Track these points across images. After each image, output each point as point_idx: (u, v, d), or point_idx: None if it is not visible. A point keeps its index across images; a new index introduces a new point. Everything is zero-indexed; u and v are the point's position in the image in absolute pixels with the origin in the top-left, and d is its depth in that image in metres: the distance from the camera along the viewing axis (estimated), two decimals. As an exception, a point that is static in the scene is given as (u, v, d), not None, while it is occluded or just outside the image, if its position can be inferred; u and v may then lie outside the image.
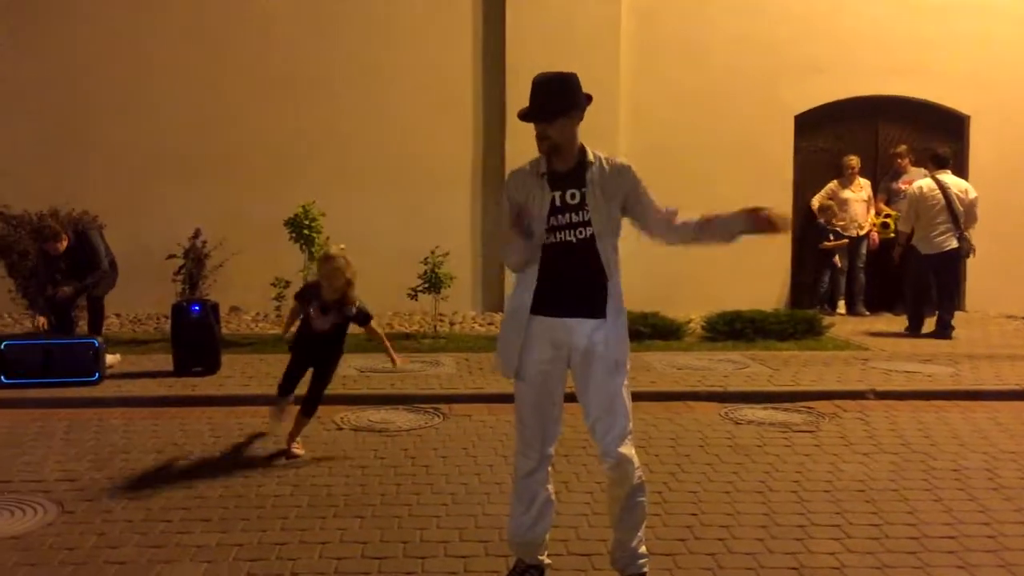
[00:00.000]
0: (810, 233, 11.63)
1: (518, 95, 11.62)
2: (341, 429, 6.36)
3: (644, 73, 11.33)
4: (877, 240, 11.44)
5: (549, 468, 3.81)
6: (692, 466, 5.54)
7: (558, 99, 3.62)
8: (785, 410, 6.95)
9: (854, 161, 11.46)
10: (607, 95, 11.14)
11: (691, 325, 9.91)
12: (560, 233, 3.63)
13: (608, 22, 11.18)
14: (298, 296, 5.95)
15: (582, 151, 3.72)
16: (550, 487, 3.82)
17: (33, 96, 10.91)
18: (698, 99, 11.40)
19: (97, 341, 7.62)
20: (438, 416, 6.69)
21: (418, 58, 11.06)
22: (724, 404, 7.08)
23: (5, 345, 7.42)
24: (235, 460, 5.65)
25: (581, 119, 3.72)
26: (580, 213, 3.63)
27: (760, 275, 11.40)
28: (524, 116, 3.65)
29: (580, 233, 3.63)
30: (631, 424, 3.71)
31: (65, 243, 8.14)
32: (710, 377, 7.77)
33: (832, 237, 11.37)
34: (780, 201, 11.55)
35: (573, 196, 3.64)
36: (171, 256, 9.84)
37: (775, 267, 11.63)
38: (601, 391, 3.67)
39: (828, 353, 8.90)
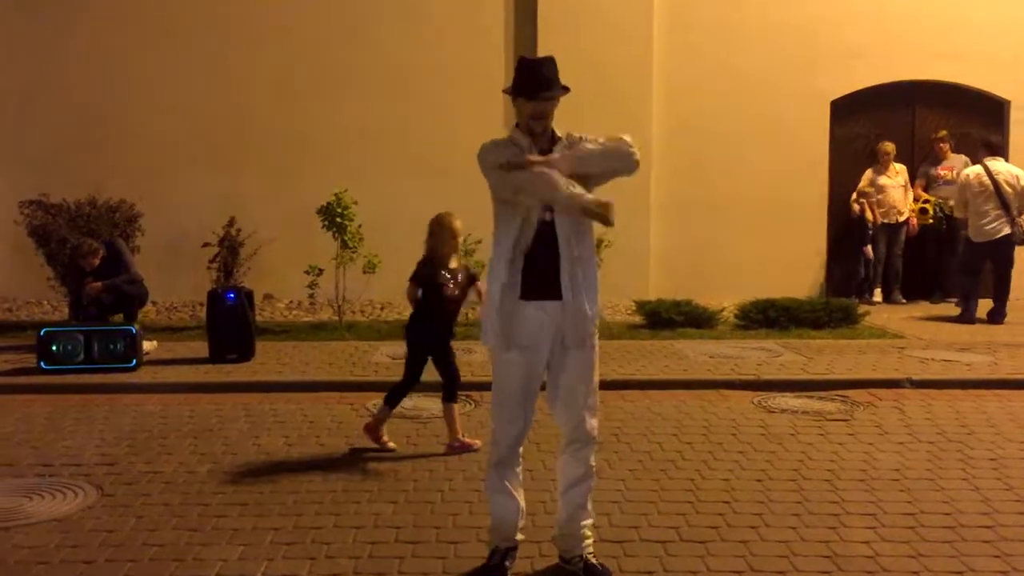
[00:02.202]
0: (848, 222, 11.45)
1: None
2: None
3: (677, 58, 11.25)
4: (916, 226, 11.29)
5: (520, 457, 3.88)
6: (725, 454, 5.51)
7: (556, 78, 3.70)
8: (819, 399, 6.89)
9: (890, 147, 11.30)
10: (640, 81, 11.09)
11: (724, 313, 9.84)
12: (546, 211, 3.65)
13: (641, 9, 11.11)
14: (417, 278, 5.56)
15: (552, 134, 3.78)
16: (519, 469, 3.88)
17: (70, 88, 11.06)
18: (732, 85, 11.30)
19: (134, 328, 7.72)
20: (470, 403, 6.71)
21: (450, 46, 11.05)
22: (757, 392, 7.04)
23: (45, 332, 7.55)
24: (270, 446, 5.71)
25: None
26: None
27: (794, 263, 11.31)
28: (530, 93, 3.63)
29: (548, 216, 3.65)
30: (594, 403, 3.81)
31: (99, 258, 8.30)
32: (743, 365, 7.73)
33: (870, 226, 11.16)
34: (814, 187, 11.48)
35: None
36: (206, 244, 9.95)
37: (810, 255, 11.53)
38: (565, 374, 3.75)
39: (863, 341, 8.82)
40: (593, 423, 3.79)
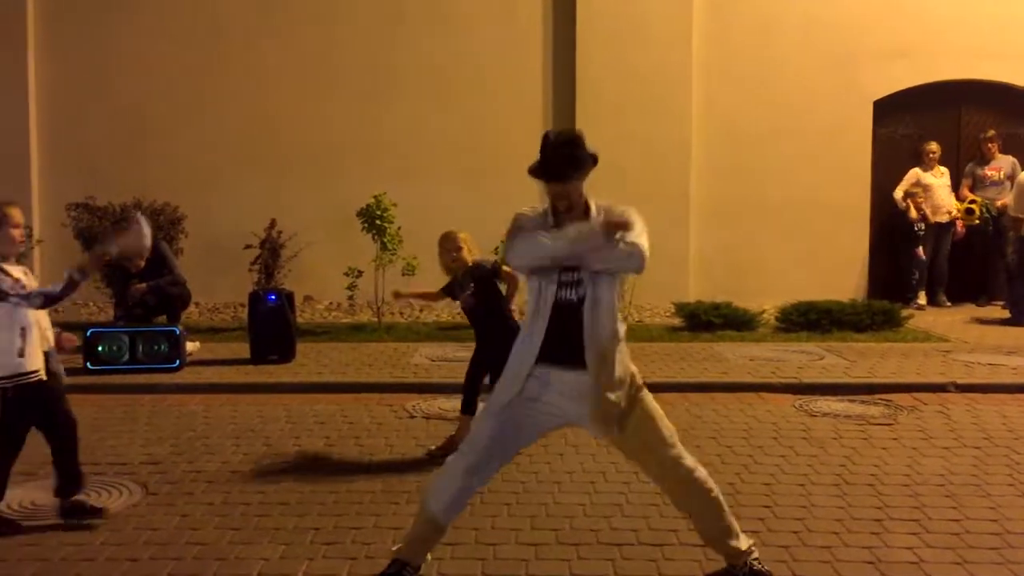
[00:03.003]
0: (896, 224, 11.28)
1: (588, 86, 11.65)
2: (413, 417, 6.43)
3: (717, 60, 11.18)
4: (963, 228, 11.10)
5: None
6: (765, 458, 5.47)
7: (580, 159, 3.55)
8: (862, 402, 6.81)
9: (934, 147, 11.14)
10: (679, 84, 11.04)
11: (764, 316, 9.77)
12: (565, 290, 3.57)
13: (680, 11, 11.04)
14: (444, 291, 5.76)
15: (587, 208, 3.65)
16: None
17: (117, 93, 11.24)
18: (773, 85, 11.21)
19: (177, 329, 7.83)
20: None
21: (488, 50, 11.07)
22: (798, 396, 6.97)
23: (91, 333, 7.68)
24: (310, 446, 5.76)
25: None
26: (574, 272, 3.56)
27: (836, 265, 11.20)
28: (549, 176, 3.55)
29: (580, 292, 3.55)
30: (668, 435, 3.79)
31: (144, 261, 8.43)
32: (784, 368, 7.65)
33: (918, 228, 10.98)
34: (857, 189, 11.35)
35: None
36: (248, 246, 10.06)
37: (852, 257, 11.40)
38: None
39: (907, 345, 8.69)
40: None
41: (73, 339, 4.81)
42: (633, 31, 10.96)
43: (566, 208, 3.60)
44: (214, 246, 10.48)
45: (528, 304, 3.65)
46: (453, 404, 6.50)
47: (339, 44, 11.20)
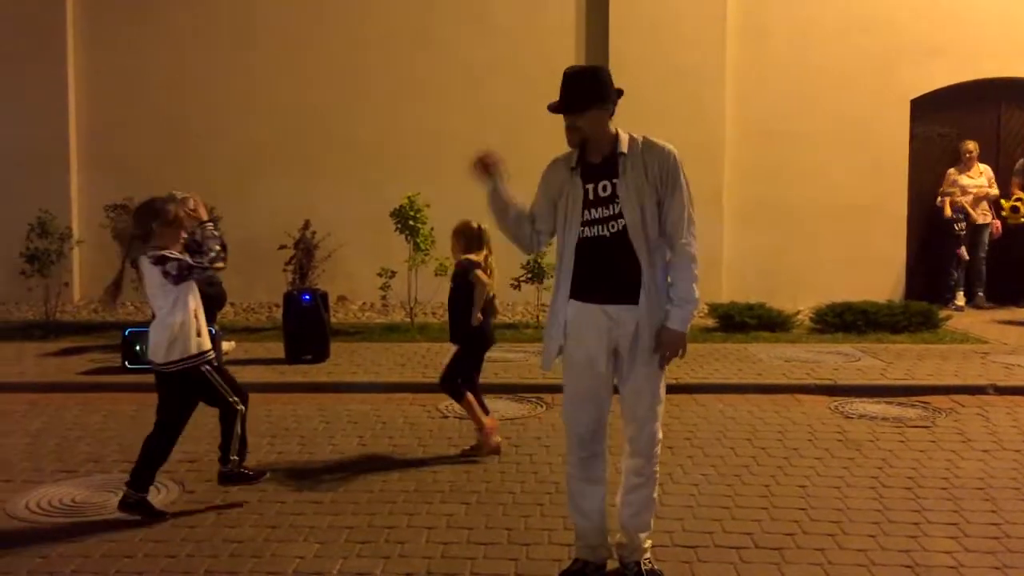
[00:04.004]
0: (934, 222, 11.14)
1: (621, 83, 11.53)
2: (446, 417, 6.45)
3: (751, 57, 11.10)
4: (1000, 228, 10.93)
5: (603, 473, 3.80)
6: (800, 460, 5.42)
7: (587, 91, 3.56)
8: (899, 404, 6.73)
9: (972, 146, 10.98)
10: (713, 81, 10.97)
11: (799, 317, 9.68)
12: (595, 227, 3.58)
13: (714, 8, 10.97)
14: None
15: (615, 141, 3.62)
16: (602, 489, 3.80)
17: (154, 96, 11.39)
18: (808, 83, 11.09)
19: (213, 329, 7.88)
20: (541, 406, 6.72)
21: (521, 50, 11.08)
22: (834, 397, 6.91)
23: (129, 332, 7.77)
24: (344, 445, 5.80)
25: (612, 113, 3.66)
26: (611, 206, 3.56)
27: (873, 265, 11.06)
28: (554, 108, 3.60)
29: (612, 227, 3.56)
30: (659, 411, 3.72)
31: None
32: (819, 370, 7.59)
33: (959, 227, 10.83)
34: (894, 188, 11.21)
35: (605, 188, 3.58)
36: (282, 247, 10.14)
37: (889, 257, 11.25)
38: (631, 380, 3.66)
39: (945, 346, 8.58)
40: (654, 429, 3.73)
41: None
42: (666, 31, 10.91)
43: (578, 141, 3.59)
44: (249, 247, 10.54)
45: None
46: (486, 404, 6.51)
47: (372, 46, 11.26)
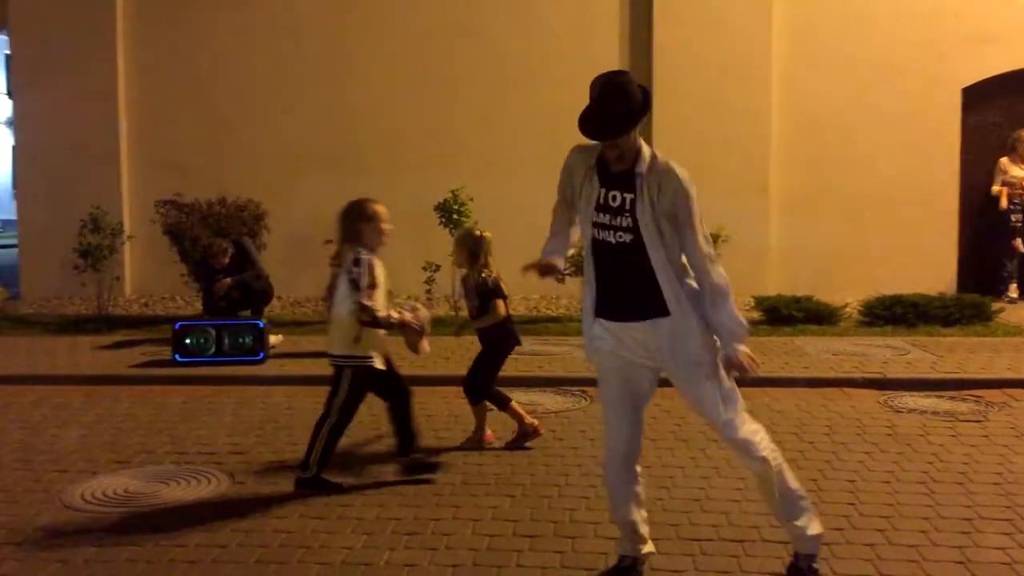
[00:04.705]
0: (988, 214, 10.91)
1: (665, 78, 11.54)
2: (491, 410, 6.44)
3: (798, 47, 10.95)
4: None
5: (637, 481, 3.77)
6: (849, 455, 5.36)
7: (626, 115, 3.44)
8: (950, 398, 6.62)
9: (1024, 135, 10.75)
10: (758, 72, 10.86)
11: (847, 309, 9.55)
12: (601, 232, 3.56)
13: (759, -1, 10.87)
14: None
15: (638, 156, 3.53)
16: (639, 489, 3.76)
17: (200, 93, 11.55)
18: (856, 73, 10.92)
19: (261, 323, 8.02)
20: (585, 399, 6.71)
21: (563, 41, 11.05)
22: (883, 391, 6.81)
23: (179, 326, 7.90)
24: (390, 437, 5.82)
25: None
26: (620, 218, 3.52)
27: (923, 257, 10.88)
28: (593, 136, 3.49)
29: (620, 237, 3.53)
30: (732, 412, 3.58)
31: (229, 256, 8.65)
32: (868, 363, 7.49)
33: (1015, 219, 10.60)
34: (945, 179, 11.02)
35: (615, 198, 3.53)
36: (328, 241, 10.15)
37: (940, 249, 11.06)
38: (687, 391, 3.64)
39: (998, 339, 8.42)
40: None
41: None
42: (712, 20, 10.81)
43: (616, 158, 3.54)
44: (295, 241, 10.69)
45: None
46: (530, 397, 6.54)
47: (415, 40, 11.31)
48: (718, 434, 3.69)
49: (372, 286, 4.84)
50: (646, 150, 3.56)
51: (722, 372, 3.59)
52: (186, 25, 11.57)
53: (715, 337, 3.58)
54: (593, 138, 3.51)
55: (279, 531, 4.29)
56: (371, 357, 4.93)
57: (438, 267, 9.65)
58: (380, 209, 5.01)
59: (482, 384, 5.66)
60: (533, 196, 10.60)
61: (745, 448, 3.60)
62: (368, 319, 4.81)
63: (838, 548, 4.02)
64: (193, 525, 4.38)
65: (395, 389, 5.10)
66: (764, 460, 3.59)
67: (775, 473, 3.62)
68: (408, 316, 4.99)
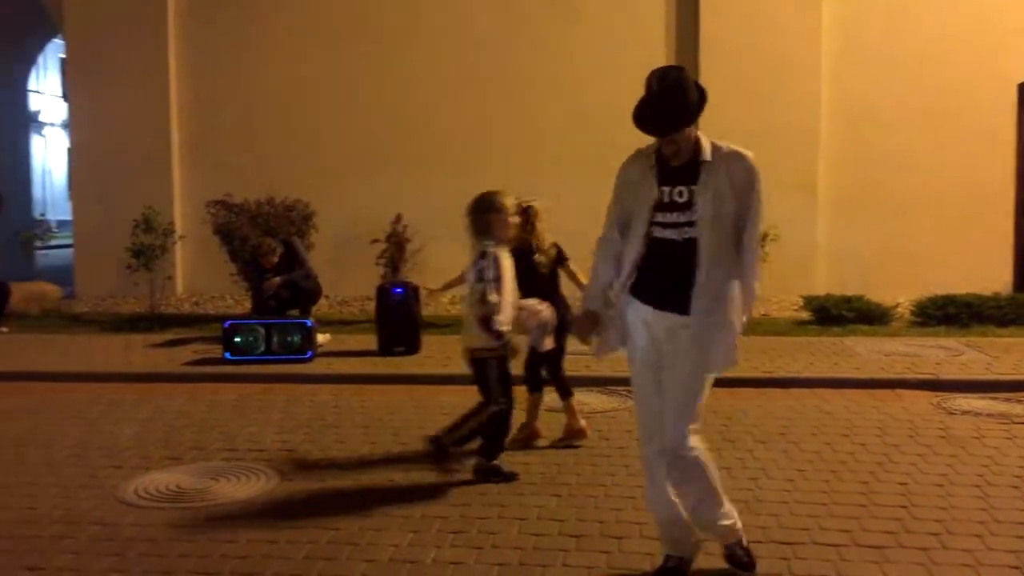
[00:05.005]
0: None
1: (713, 69, 11.42)
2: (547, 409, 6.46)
3: (847, 41, 10.81)
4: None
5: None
6: (901, 457, 5.27)
7: (682, 111, 3.42)
8: (1006, 400, 6.48)
9: (1084, 131, 10.49)
10: (807, 69, 10.73)
11: (899, 309, 9.41)
12: (666, 230, 3.52)
13: (809, -7, 10.74)
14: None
15: (697, 147, 3.51)
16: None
17: (249, 94, 11.71)
18: (907, 70, 10.76)
19: (309, 322, 8.11)
20: (631, 399, 6.66)
21: (609, 36, 11.02)
22: (936, 393, 6.69)
23: (229, 324, 8.02)
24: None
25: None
26: (686, 212, 3.49)
27: (977, 256, 10.67)
28: (651, 132, 3.47)
29: (685, 233, 3.49)
30: (693, 424, 3.60)
31: (277, 256, 8.75)
32: (920, 364, 7.36)
33: None
34: (1000, 176, 10.79)
35: (680, 194, 3.50)
36: (375, 241, 10.31)
37: (995, 248, 10.84)
38: (673, 388, 3.61)
39: (1056, 340, 8.23)
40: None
41: None
42: (759, 15, 10.70)
43: (673, 153, 3.51)
44: (343, 241, 10.79)
45: None
46: (578, 397, 6.49)
47: (462, 40, 11.35)
48: (662, 437, 3.62)
49: (498, 279, 4.84)
50: (705, 139, 3.54)
51: (708, 386, 3.62)
52: (236, 27, 11.73)
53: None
54: (650, 133, 3.49)
55: (327, 528, 4.33)
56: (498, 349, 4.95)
57: (484, 266, 9.66)
58: (509, 202, 5.01)
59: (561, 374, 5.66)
60: (582, 196, 10.58)
61: (685, 460, 3.57)
62: (484, 314, 4.80)
63: (890, 552, 3.96)
64: (243, 521, 4.44)
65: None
66: (698, 458, 3.60)
67: (704, 469, 3.63)
68: (516, 333, 4.97)
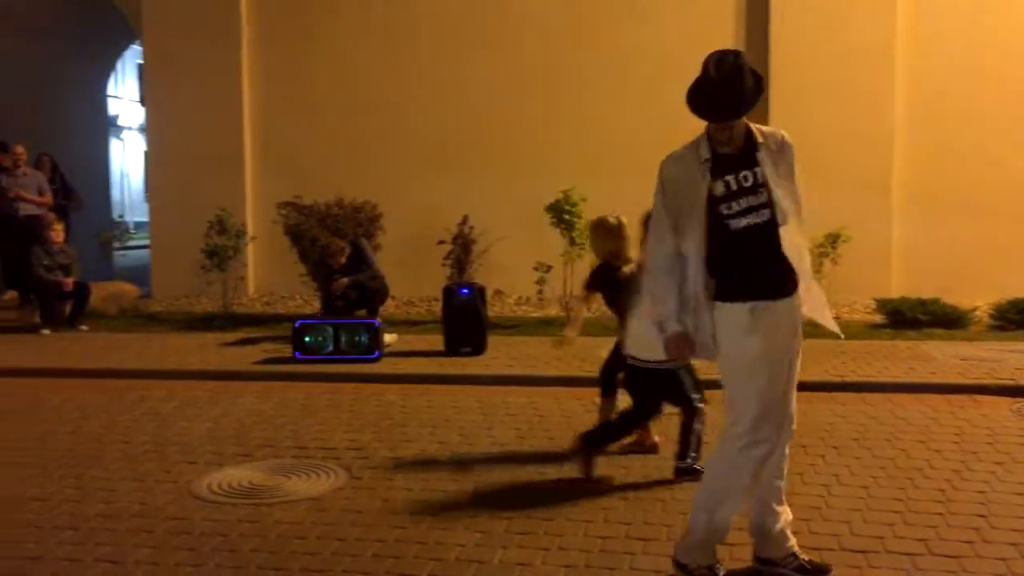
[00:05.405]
0: None
1: (783, 69, 11.23)
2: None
3: (924, 34, 10.53)
4: None
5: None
6: (979, 464, 5.12)
7: (743, 96, 3.39)
8: (1091, 407, 6.25)
9: None
10: (881, 63, 10.49)
11: (977, 313, 9.14)
12: (742, 218, 3.45)
13: (882, -16, 10.50)
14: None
15: (748, 130, 3.52)
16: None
17: (318, 98, 11.89)
18: (987, 59, 10.43)
19: (377, 322, 8.19)
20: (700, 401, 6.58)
21: (675, 37, 10.90)
22: (1016, 399, 6.49)
23: (299, 324, 8.14)
24: (502, 437, 5.88)
25: None
26: (757, 196, 3.45)
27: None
28: (708, 118, 3.44)
29: (763, 215, 3.45)
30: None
31: (346, 256, 8.87)
32: (1000, 369, 7.14)
33: None
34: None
35: (746, 179, 3.46)
36: (441, 242, 10.38)
37: (1081, 248, 10.45)
38: (794, 371, 3.63)
39: None
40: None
41: None
42: (831, 7, 10.48)
43: (727, 139, 3.47)
44: (410, 242, 10.87)
45: None
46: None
47: (526, 42, 11.36)
48: (788, 425, 3.61)
49: None
50: (754, 127, 3.55)
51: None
52: (305, 32, 11.92)
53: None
54: (705, 118, 3.46)
55: (395, 527, 4.37)
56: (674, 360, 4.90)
57: (549, 267, 9.67)
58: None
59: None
60: (647, 196, 10.52)
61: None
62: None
63: (967, 562, 3.85)
64: (313, 518, 4.50)
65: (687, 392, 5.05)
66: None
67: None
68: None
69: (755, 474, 3.55)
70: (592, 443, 5.02)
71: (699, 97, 3.41)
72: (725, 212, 3.47)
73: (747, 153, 3.49)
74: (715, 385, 4.02)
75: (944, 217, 10.49)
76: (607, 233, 5.53)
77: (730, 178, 3.48)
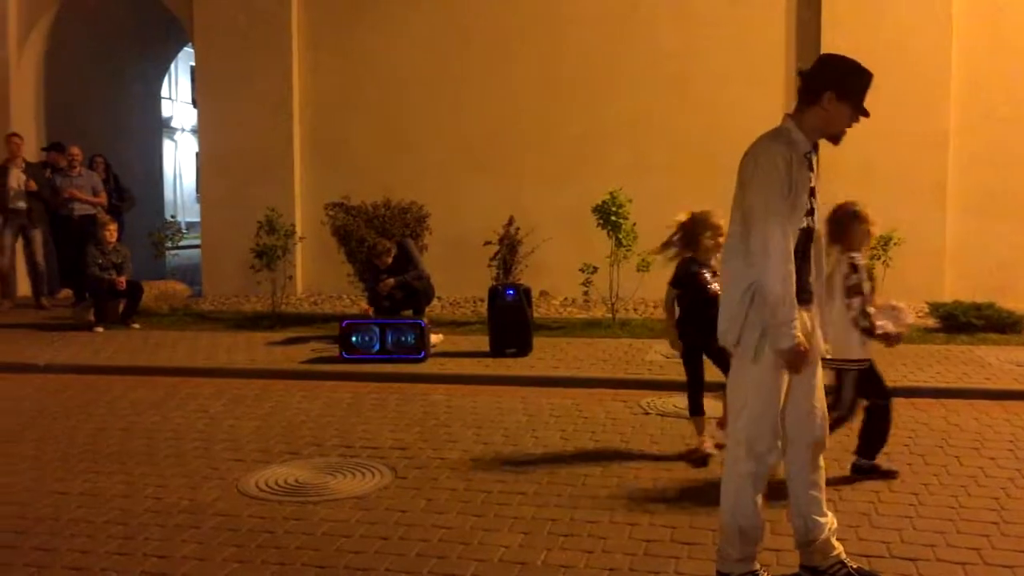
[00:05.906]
0: None
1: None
2: (648, 414, 6.41)
3: (980, 33, 10.33)
4: None
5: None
6: (1036, 473, 4.99)
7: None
8: None
9: None
10: (936, 63, 10.31)
11: (1033, 318, 8.91)
12: (812, 218, 3.46)
13: (937, -13, 10.30)
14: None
15: None
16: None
17: (366, 99, 11.99)
18: (1045, 63, 10.20)
19: (423, 322, 8.23)
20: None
21: (725, 38, 10.83)
22: (1075, 406, 6.32)
23: (346, 324, 8.21)
24: (546, 438, 5.87)
25: None
26: (816, 198, 3.48)
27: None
28: (863, 111, 3.48)
29: (814, 220, 3.48)
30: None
31: (392, 256, 8.92)
32: (1058, 375, 6.96)
33: None
34: None
35: (813, 180, 3.46)
36: (487, 243, 10.39)
37: None
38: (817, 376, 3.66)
39: None
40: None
41: None
42: (884, 10, 10.32)
43: (816, 137, 3.48)
44: (456, 243, 10.91)
45: None
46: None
47: (573, 43, 11.35)
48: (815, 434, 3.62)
49: (872, 291, 4.94)
50: None
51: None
52: (355, 34, 12.03)
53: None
54: (860, 110, 3.48)
55: (439, 526, 4.38)
56: (869, 360, 4.93)
57: (595, 269, 9.63)
58: (868, 212, 4.89)
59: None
60: (693, 197, 10.44)
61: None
62: (866, 326, 4.83)
63: (1022, 571, 3.76)
64: (358, 516, 4.53)
65: (878, 391, 5.01)
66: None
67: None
68: (891, 328, 4.93)
69: (757, 474, 3.55)
70: (866, 455, 4.99)
71: (864, 88, 3.45)
72: (810, 207, 3.44)
73: (811, 156, 3.48)
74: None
75: (998, 220, 10.27)
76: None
77: (813, 174, 3.46)
